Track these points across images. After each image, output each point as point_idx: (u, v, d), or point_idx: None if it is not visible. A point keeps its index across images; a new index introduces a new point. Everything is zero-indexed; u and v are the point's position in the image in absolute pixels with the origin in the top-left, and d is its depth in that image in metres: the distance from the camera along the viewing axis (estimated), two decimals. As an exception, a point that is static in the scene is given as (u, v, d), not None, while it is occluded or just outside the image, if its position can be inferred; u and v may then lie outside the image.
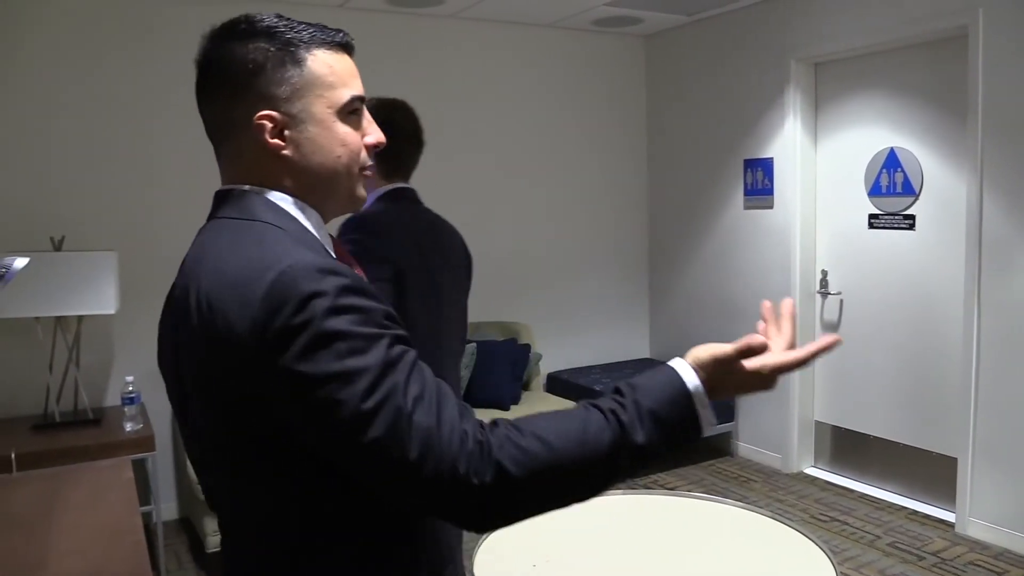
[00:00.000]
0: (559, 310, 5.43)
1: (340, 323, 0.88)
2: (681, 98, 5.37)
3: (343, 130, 1.05)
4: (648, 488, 4.58)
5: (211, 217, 1.05)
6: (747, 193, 4.91)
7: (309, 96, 1.02)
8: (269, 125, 1.00)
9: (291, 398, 0.89)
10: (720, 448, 5.18)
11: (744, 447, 5.07)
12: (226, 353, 0.91)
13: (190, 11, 4.12)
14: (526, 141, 5.22)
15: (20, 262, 2.43)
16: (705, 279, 5.29)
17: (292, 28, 1.02)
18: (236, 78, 1.00)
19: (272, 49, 1.00)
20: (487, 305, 5.12)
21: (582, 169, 5.45)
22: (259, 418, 0.93)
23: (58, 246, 3.65)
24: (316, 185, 1.05)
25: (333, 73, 1.04)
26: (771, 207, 4.75)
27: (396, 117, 2.37)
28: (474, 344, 4.53)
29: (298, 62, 1.01)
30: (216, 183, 1.08)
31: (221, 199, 1.05)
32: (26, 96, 3.82)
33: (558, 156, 5.34)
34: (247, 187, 1.03)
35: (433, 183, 4.87)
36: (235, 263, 0.94)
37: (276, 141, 1.01)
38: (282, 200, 1.03)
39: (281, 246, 0.94)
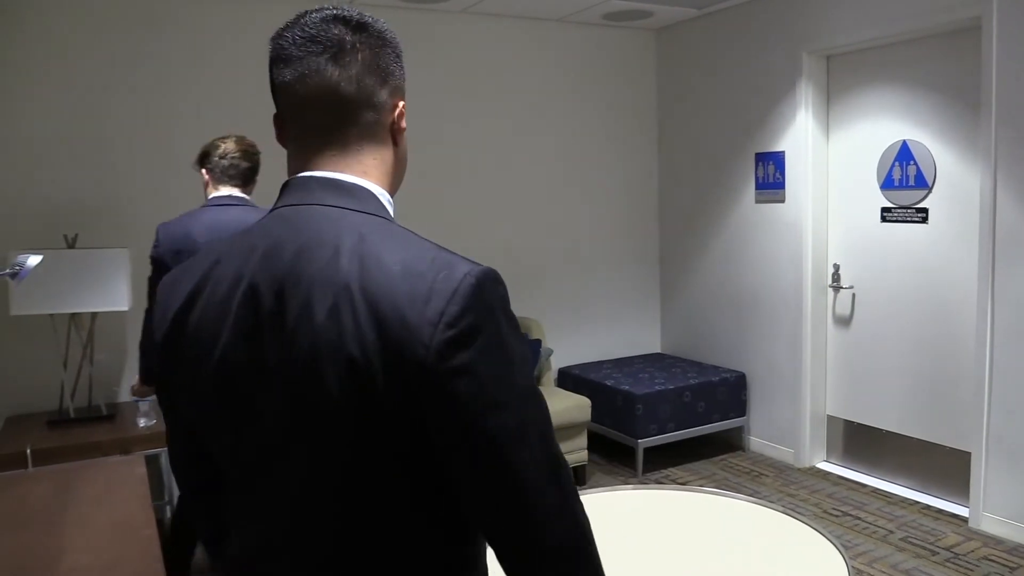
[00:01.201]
0: (570, 305, 5.42)
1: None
2: (692, 92, 5.35)
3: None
4: (659, 483, 4.57)
5: (313, 204, 0.98)
6: (758, 187, 4.89)
7: (405, 95, 1.09)
8: (403, 112, 1.07)
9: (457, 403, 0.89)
10: (732, 443, 5.16)
11: (756, 442, 5.05)
12: (399, 353, 0.87)
13: (204, 8, 4.14)
14: (536, 136, 5.21)
15: (34, 260, 2.45)
16: (716, 273, 5.27)
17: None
18: (380, 65, 1.03)
19: (398, 46, 1.08)
20: (498, 300, 5.12)
21: (593, 163, 5.44)
22: (415, 423, 0.89)
23: (72, 244, 3.68)
24: (400, 177, 1.12)
25: None
26: (783, 201, 4.73)
27: None
28: (485, 339, 4.53)
29: (402, 58, 1.09)
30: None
31: (332, 188, 1.00)
32: (39, 95, 3.84)
33: (568, 151, 5.33)
34: (363, 183, 1.02)
35: (444, 179, 4.89)
36: (407, 258, 0.91)
37: (404, 126, 1.07)
38: (391, 207, 1.05)
39: (444, 250, 0.95)
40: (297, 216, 0.97)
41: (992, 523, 3.77)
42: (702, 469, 4.81)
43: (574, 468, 4.62)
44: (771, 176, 4.79)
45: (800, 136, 4.58)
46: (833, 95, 4.55)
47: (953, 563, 3.52)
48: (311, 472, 0.94)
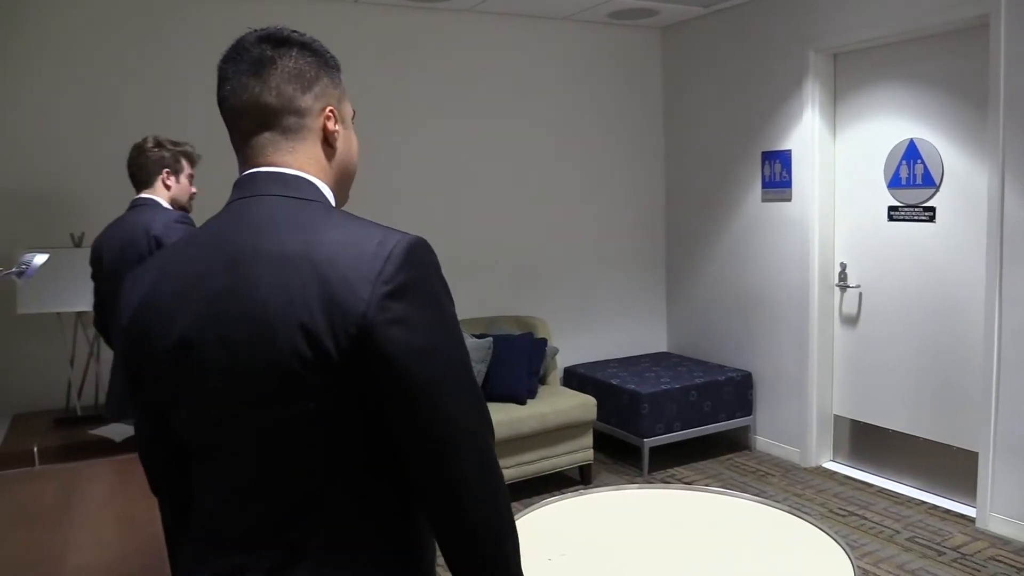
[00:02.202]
0: (576, 304, 5.42)
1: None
2: (698, 90, 5.34)
3: (355, 137, 1.24)
4: (665, 483, 4.57)
5: (261, 195, 1.10)
6: (765, 185, 4.88)
7: (345, 101, 1.21)
8: (332, 116, 1.16)
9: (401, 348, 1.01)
10: (738, 442, 5.15)
11: (762, 441, 5.04)
12: (343, 310, 0.99)
13: (209, 7, 4.14)
14: (542, 135, 5.21)
15: (40, 258, 2.46)
16: (723, 272, 5.26)
17: (322, 45, 1.20)
18: (301, 74, 1.13)
19: (326, 55, 1.18)
20: (503, 299, 5.13)
21: (598, 162, 5.43)
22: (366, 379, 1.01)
23: (78, 242, 3.69)
24: (342, 180, 1.21)
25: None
26: (789, 199, 4.72)
27: None
28: (490, 338, 4.53)
29: (338, 69, 1.20)
30: (225, 179, 1.14)
31: (275, 180, 1.11)
32: (46, 93, 3.86)
33: (574, 149, 5.33)
34: (303, 174, 1.13)
35: (449, 178, 4.89)
36: (346, 231, 1.05)
37: (336, 128, 1.17)
38: (332, 198, 1.16)
39: (380, 226, 1.07)
40: (246, 206, 1.09)
41: (999, 523, 3.75)
42: (708, 468, 4.80)
43: (579, 467, 4.62)
44: (778, 175, 4.78)
45: (807, 134, 4.56)
46: (840, 93, 4.54)
47: (960, 563, 3.51)
48: (269, 432, 1.03)
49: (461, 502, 1.03)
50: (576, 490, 4.53)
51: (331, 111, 1.16)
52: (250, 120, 1.12)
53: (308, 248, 1.01)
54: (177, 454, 1.17)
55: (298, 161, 1.13)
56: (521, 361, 4.57)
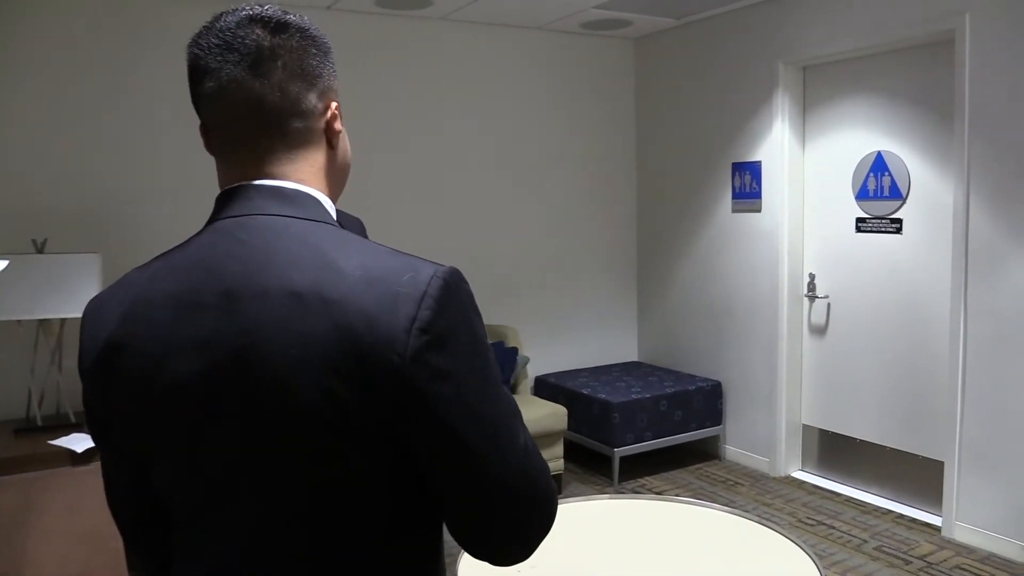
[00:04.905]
0: (547, 313, 5.41)
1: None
2: (670, 101, 5.37)
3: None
4: (636, 492, 4.57)
5: (257, 213, 0.93)
6: (735, 196, 4.91)
7: (337, 91, 1.03)
8: (337, 114, 1.00)
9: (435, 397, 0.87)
10: (708, 452, 5.17)
11: (732, 451, 5.06)
12: (370, 363, 0.83)
13: (174, 12, 4.09)
14: (514, 143, 5.21)
15: (-1, 264, 2.40)
16: (693, 282, 5.29)
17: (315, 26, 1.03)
18: (305, 68, 0.97)
19: (325, 42, 1.00)
20: (475, 308, 5.10)
21: (571, 171, 5.44)
22: (395, 423, 0.86)
23: (40, 248, 3.61)
24: (341, 182, 1.06)
25: None
26: (759, 210, 4.76)
27: None
28: (462, 347, 4.51)
29: (332, 53, 1.02)
30: (204, 186, 1.02)
31: (273, 196, 0.94)
32: (9, 98, 3.78)
33: (546, 158, 5.33)
34: (306, 189, 0.97)
35: (420, 185, 4.87)
36: (367, 263, 0.88)
37: (341, 128, 1.01)
38: (332, 210, 1.00)
39: (399, 252, 0.92)
40: (239, 228, 0.91)
41: (965, 532, 3.80)
42: (678, 478, 4.81)
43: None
44: (748, 186, 4.81)
45: (776, 146, 4.61)
46: (809, 106, 4.59)
47: (926, 572, 3.54)
48: (273, 497, 0.88)
49: (509, 542, 0.94)
50: (547, 500, 4.53)
51: (336, 108, 1.00)
52: (245, 124, 0.94)
53: (321, 285, 0.84)
54: (156, 512, 1.01)
55: (299, 172, 0.96)
56: (492, 370, 4.55)
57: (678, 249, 5.40)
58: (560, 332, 5.48)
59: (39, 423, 3.58)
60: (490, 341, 4.62)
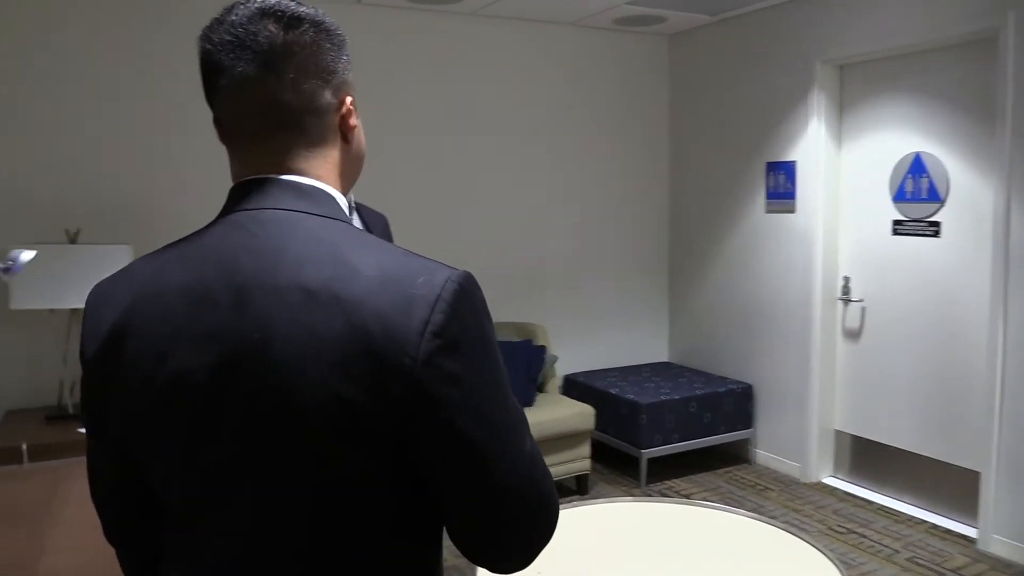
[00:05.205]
0: (576, 311, 5.37)
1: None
2: (704, 99, 5.30)
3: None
4: (663, 495, 4.52)
5: (271, 208, 0.91)
6: (769, 196, 4.83)
7: (352, 84, 1.01)
8: (353, 109, 0.99)
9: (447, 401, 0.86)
10: (738, 455, 5.10)
11: (762, 455, 4.98)
12: (382, 364, 0.83)
13: (212, 5, 4.12)
14: (545, 140, 5.17)
15: (27, 255, 2.43)
16: (725, 282, 5.22)
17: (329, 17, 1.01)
18: (320, 64, 0.95)
19: (340, 34, 0.98)
20: (504, 305, 5.09)
21: (602, 169, 5.39)
22: (405, 423, 0.85)
23: (73, 239, 3.67)
24: (354, 175, 1.04)
25: None
26: (793, 211, 4.67)
27: None
28: (488, 345, 4.48)
29: (347, 45, 1.01)
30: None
31: (289, 191, 0.93)
32: (43, 89, 3.83)
33: (577, 155, 5.29)
34: (321, 185, 0.95)
35: (449, 182, 4.86)
36: (382, 263, 0.87)
37: (356, 123, 1.00)
38: (345, 206, 0.99)
39: (414, 255, 0.91)
40: (252, 221, 0.90)
41: (1001, 545, 3.69)
42: (707, 481, 4.75)
43: (576, 477, 4.58)
44: (782, 186, 4.73)
45: (811, 146, 4.52)
46: (846, 105, 4.49)
47: (959, 585, 3.45)
48: (274, 496, 0.87)
49: (511, 549, 0.93)
50: (572, 500, 4.49)
51: (352, 103, 0.99)
52: (260, 121, 0.93)
53: (335, 283, 0.83)
54: (144, 507, 1.00)
55: (315, 167, 0.95)
56: (519, 368, 4.54)
57: (710, 249, 5.33)
58: (590, 331, 5.43)
59: (70, 411, 3.64)
60: (519, 339, 4.62)
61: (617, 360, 5.55)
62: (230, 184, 0.97)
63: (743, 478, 4.79)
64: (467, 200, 4.96)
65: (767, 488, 4.61)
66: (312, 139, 0.96)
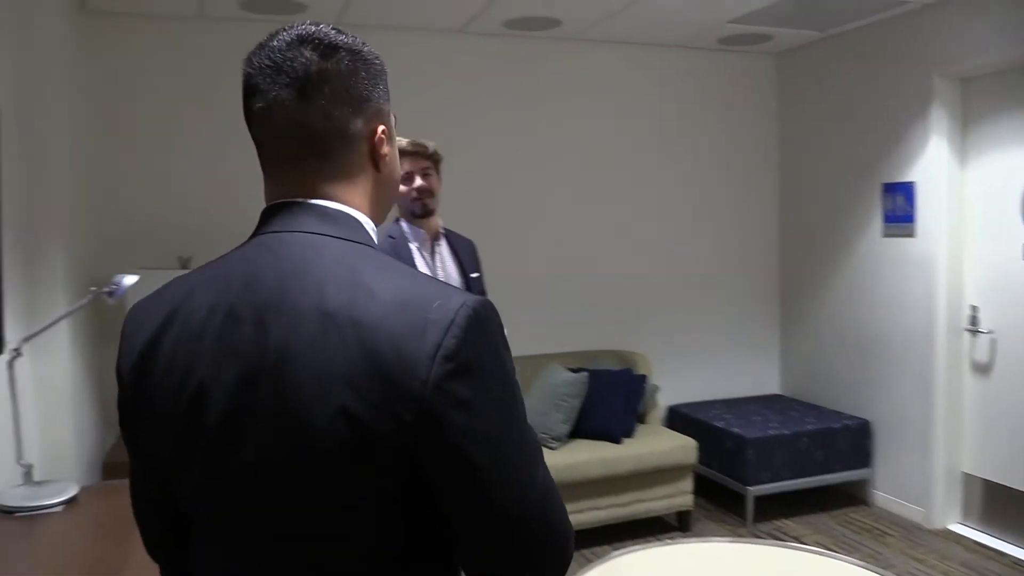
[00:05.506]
0: (681, 340, 5.20)
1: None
2: (814, 118, 5.06)
3: (395, 148, 1.06)
4: (772, 536, 4.28)
5: (298, 231, 0.94)
6: (886, 220, 4.55)
7: (390, 112, 1.03)
8: (384, 138, 1.01)
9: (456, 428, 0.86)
10: (855, 496, 4.77)
11: (882, 497, 4.64)
12: (394, 387, 0.83)
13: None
14: (648, 165, 5.07)
15: (130, 279, 2.53)
16: (841, 311, 4.93)
17: (369, 46, 1.02)
18: (352, 93, 0.97)
19: (377, 63, 1.01)
20: (604, 333, 4.98)
21: (709, 193, 5.23)
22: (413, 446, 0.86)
23: (185, 264, 3.83)
24: (386, 201, 1.06)
25: None
26: (912, 235, 4.37)
27: None
28: (586, 373, 4.39)
29: (386, 74, 1.03)
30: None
31: (315, 215, 0.95)
32: (158, 117, 4.05)
33: (683, 179, 5.16)
34: (347, 209, 0.97)
35: (551, 207, 4.82)
36: (399, 288, 0.88)
37: (387, 151, 1.01)
38: (375, 234, 1.01)
39: (433, 280, 0.94)
40: (279, 243, 0.93)
41: None
42: (819, 523, 4.46)
43: (678, 513, 4.40)
44: (900, 208, 4.44)
45: (932, 166, 4.23)
46: (970, 121, 4.18)
47: (1108, 651, 3.08)
48: (289, 512, 0.89)
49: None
50: (673, 537, 4.31)
51: (384, 131, 1.00)
52: (290, 144, 0.96)
53: (352, 306, 0.85)
54: (179, 521, 1.01)
55: (343, 193, 0.97)
56: (618, 398, 4.41)
57: (824, 275, 5.06)
58: (695, 360, 5.25)
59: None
60: (618, 368, 4.50)
61: (724, 391, 5.33)
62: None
63: (859, 521, 4.47)
64: (567, 224, 4.91)
65: (886, 533, 4.29)
66: (341, 165, 0.97)
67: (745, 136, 5.30)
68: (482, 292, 3.12)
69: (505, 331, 0.92)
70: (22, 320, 2.75)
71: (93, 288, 2.59)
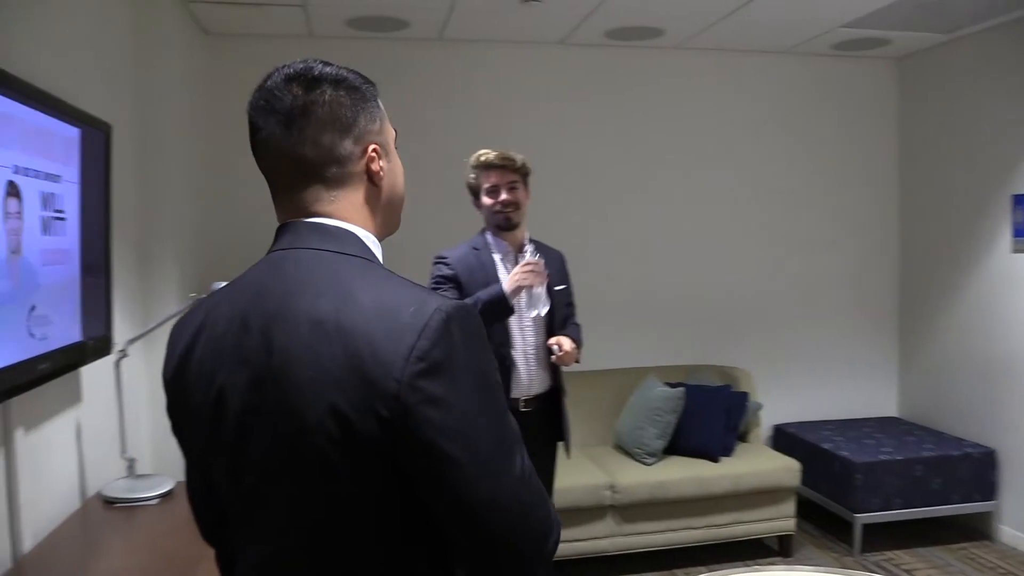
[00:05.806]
0: (788, 357, 5.00)
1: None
2: (938, 126, 4.76)
3: (399, 162, 1.16)
4: (880, 567, 4.04)
5: (299, 247, 1.05)
6: (1016, 234, 4.21)
7: (386, 128, 1.13)
8: (376, 155, 1.10)
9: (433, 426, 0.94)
10: (977, 530, 4.43)
11: (1008, 532, 4.29)
12: (373, 387, 0.92)
13: (415, 58, 4.36)
14: (759, 176, 4.91)
15: (218, 286, 2.68)
16: (966, 331, 4.60)
17: (355, 73, 1.12)
18: (338, 117, 1.06)
19: (363, 88, 1.10)
20: (706, 347, 4.86)
21: (819, 204, 5.01)
22: (395, 449, 0.95)
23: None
24: (391, 214, 1.15)
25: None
26: (1046, 251, 4.04)
27: None
28: (683, 388, 4.28)
29: (375, 98, 1.12)
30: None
31: (315, 232, 1.06)
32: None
33: (791, 189, 4.96)
34: (345, 225, 1.07)
35: (655, 218, 4.75)
36: (381, 295, 0.98)
37: (381, 167, 1.10)
38: (375, 245, 1.10)
39: (418, 288, 1.02)
40: (285, 259, 1.04)
41: None
42: (935, 557, 4.17)
43: (779, 537, 4.22)
44: (1031, 222, 4.11)
45: (1069, 175, 3.89)
46: (1114, 127, 3.83)
47: None
48: (294, 505, 1.00)
49: (502, 571, 1.00)
50: (773, 562, 4.14)
51: (375, 150, 1.09)
52: (287, 172, 1.07)
53: (339, 314, 0.95)
54: (221, 515, 1.14)
55: (341, 210, 1.07)
56: (717, 415, 4.28)
57: (948, 292, 4.74)
58: (804, 379, 5.03)
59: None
60: (719, 384, 4.38)
61: (837, 412, 5.08)
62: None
63: (982, 558, 4.15)
64: (669, 236, 4.83)
65: (1012, 572, 3.96)
66: (335, 185, 1.07)
67: (861, 146, 5.04)
68: (568, 304, 3.11)
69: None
70: (139, 327, 2.97)
71: (192, 294, 2.74)
